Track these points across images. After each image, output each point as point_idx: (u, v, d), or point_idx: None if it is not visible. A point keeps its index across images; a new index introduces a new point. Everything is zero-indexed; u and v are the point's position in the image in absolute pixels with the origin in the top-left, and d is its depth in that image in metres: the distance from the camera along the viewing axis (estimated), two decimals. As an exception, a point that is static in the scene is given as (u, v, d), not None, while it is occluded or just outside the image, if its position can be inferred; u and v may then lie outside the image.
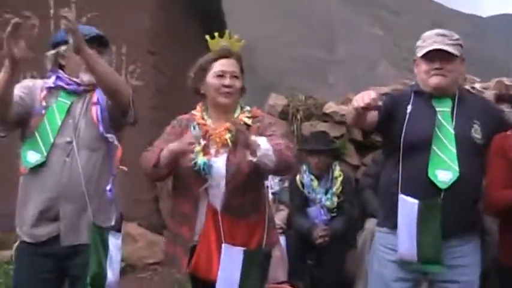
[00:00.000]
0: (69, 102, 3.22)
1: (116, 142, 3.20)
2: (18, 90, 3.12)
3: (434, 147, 3.19)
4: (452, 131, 3.23)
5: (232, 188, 3.08)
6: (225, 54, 3.25)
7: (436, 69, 3.26)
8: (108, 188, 3.16)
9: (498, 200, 3.14)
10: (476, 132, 3.24)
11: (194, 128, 3.19)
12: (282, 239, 5.24)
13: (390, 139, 3.38)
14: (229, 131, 3.10)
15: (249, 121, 3.23)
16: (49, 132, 3.14)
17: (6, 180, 3.45)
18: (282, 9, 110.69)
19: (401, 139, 3.24)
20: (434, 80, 3.26)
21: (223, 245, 3.03)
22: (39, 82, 3.28)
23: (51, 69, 3.29)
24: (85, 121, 3.20)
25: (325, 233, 5.15)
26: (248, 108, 3.34)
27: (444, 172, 3.15)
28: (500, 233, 3.32)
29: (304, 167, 5.48)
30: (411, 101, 3.33)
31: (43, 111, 3.17)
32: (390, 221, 3.28)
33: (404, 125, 3.25)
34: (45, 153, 3.10)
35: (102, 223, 3.15)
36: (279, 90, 9.97)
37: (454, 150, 3.18)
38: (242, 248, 3.05)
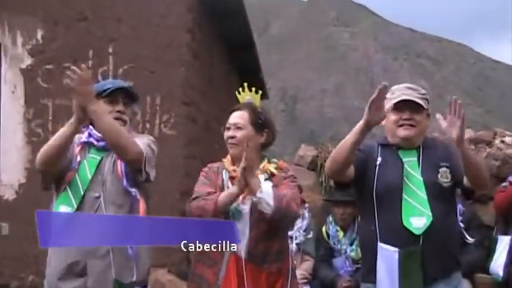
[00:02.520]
0: (99, 158, 3.33)
1: (138, 197, 3.28)
2: None
3: (405, 196, 3.27)
4: (421, 178, 3.31)
5: (256, 235, 3.17)
6: (238, 107, 3.43)
7: (405, 119, 3.35)
8: None
9: None
10: (443, 177, 3.32)
11: (225, 174, 3.33)
12: (307, 289, 5.29)
13: (363, 192, 3.43)
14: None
15: (274, 171, 3.35)
16: (80, 187, 3.24)
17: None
18: (320, 58, 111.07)
19: (374, 191, 3.32)
20: (404, 132, 3.36)
21: None
22: (76, 137, 3.35)
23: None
24: (111, 176, 3.30)
25: (350, 284, 5.15)
26: (275, 160, 3.47)
27: (418, 218, 3.21)
28: None
29: (330, 218, 5.53)
30: (379, 153, 3.42)
31: (76, 166, 3.29)
32: (373, 275, 3.30)
33: (375, 178, 3.34)
34: (76, 207, 3.18)
35: (126, 279, 3.20)
36: (320, 140, 10.08)
37: (425, 196, 3.26)
38: None
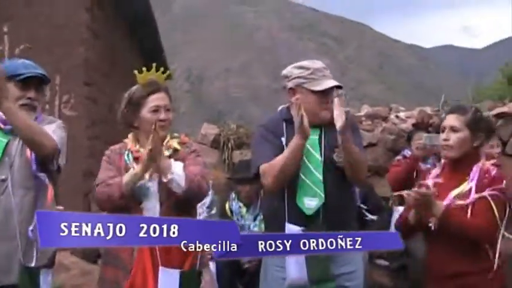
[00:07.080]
0: (5, 141, 3.25)
1: (47, 182, 3.23)
2: None
3: (301, 176, 3.31)
4: (320, 158, 3.35)
5: (166, 210, 3.18)
6: (156, 89, 3.38)
7: (327, 103, 3.37)
8: (30, 228, 3.11)
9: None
10: (338, 156, 3.34)
11: (128, 155, 3.32)
12: (212, 265, 5.32)
13: None
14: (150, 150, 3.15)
15: (178, 146, 3.38)
16: None
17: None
18: (225, 37, 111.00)
19: None
20: (327, 115, 3.35)
21: (160, 268, 3.09)
22: None
23: None
24: (20, 160, 3.23)
25: (253, 258, 5.25)
26: (177, 135, 3.50)
27: (310, 199, 3.29)
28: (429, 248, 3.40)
29: (233, 195, 5.61)
30: (284, 131, 3.43)
31: None
32: None
33: None
34: None
35: (33, 263, 3.14)
36: (227, 120, 10.14)
37: (320, 176, 3.31)
38: (178, 270, 3.13)
